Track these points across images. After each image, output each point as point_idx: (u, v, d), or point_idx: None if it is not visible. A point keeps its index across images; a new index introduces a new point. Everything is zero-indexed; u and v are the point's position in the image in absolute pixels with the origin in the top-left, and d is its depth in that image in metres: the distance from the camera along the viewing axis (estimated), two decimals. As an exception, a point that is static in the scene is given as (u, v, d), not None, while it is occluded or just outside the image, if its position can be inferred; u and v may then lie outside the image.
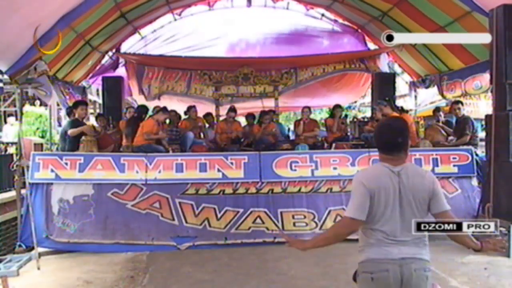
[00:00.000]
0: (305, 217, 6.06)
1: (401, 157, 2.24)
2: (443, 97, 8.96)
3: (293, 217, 6.03)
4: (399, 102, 9.51)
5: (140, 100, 10.04)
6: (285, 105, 10.89)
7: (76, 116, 6.87)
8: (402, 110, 7.71)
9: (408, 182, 2.19)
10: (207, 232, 5.95)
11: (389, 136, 2.27)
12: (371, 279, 2.15)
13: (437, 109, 8.24)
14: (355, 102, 14.54)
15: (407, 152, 2.28)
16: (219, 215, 6.00)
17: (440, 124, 7.74)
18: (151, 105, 8.75)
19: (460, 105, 7.12)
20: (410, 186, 2.19)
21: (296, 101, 11.09)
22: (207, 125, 9.00)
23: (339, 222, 2.44)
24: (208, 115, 9.34)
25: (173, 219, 5.96)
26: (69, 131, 6.56)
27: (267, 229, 5.98)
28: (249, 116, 9.32)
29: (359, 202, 2.18)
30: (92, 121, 8.55)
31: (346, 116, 9.51)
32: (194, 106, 8.86)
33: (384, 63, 9.68)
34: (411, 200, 2.18)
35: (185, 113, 8.81)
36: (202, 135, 8.57)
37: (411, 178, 2.20)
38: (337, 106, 8.49)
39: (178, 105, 9.79)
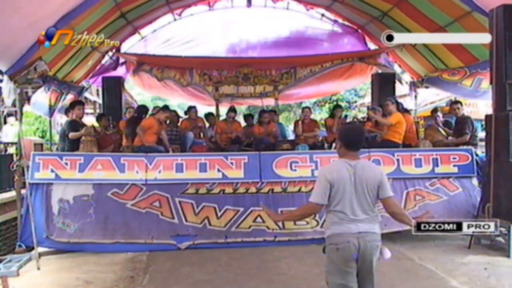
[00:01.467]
0: None
1: (357, 154, 2.91)
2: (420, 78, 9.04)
3: (293, 216, 6.01)
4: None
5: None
6: (285, 94, 10.77)
7: (74, 116, 6.88)
8: (405, 110, 7.74)
9: (362, 173, 2.80)
10: (207, 231, 5.95)
11: (356, 136, 2.94)
12: (337, 249, 2.76)
13: (435, 110, 8.25)
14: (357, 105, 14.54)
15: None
16: (219, 214, 6.00)
17: (440, 124, 7.74)
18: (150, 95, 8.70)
19: (459, 105, 7.13)
20: (363, 177, 2.79)
21: (297, 91, 10.91)
22: (207, 125, 9.01)
23: (305, 206, 3.03)
24: (209, 114, 9.34)
25: (173, 218, 5.95)
26: (70, 135, 6.58)
27: (268, 228, 5.97)
28: (247, 116, 9.33)
29: (321, 190, 2.79)
30: (89, 120, 8.53)
31: (346, 116, 9.50)
32: (194, 107, 8.88)
33: (385, 63, 9.65)
34: (364, 187, 2.78)
35: (185, 113, 8.83)
36: (202, 135, 8.58)
37: (363, 171, 2.81)
38: (337, 106, 8.48)
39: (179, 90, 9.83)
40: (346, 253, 2.72)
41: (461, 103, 7.26)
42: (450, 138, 7.33)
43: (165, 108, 7.32)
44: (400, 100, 9.93)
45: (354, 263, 2.72)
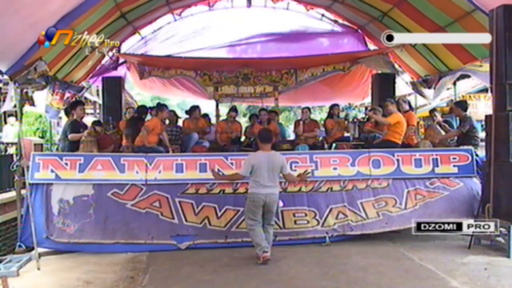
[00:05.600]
0: (306, 215, 6.04)
1: (269, 147, 5.22)
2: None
3: (294, 215, 6.02)
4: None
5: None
6: (286, 105, 10.91)
7: (75, 116, 6.88)
8: (410, 107, 7.78)
9: (272, 159, 5.09)
10: (207, 231, 5.94)
11: (265, 136, 5.28)
12: (253, 201, 5.04)
13: (433, 110, 8.25)
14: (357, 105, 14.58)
15: (272, 144, 5.41)
16: (219, 214, 5.99)
17: (438, 124, 7.74)
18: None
19: (460, 107, 7.11)
20: (272, 161, 5.06)
21: (297, 101, 10.95)
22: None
23: (235, 173, 5.39)
24: (204, 115, 9.29)
25: (173, 218, 5.94)
26: (70, 136, 6.57)
27: None
28: (252, 116, 9.33)
29: (246, 168, 5.08)
30: (88, 120, 8.49)
31: (346, 116, 9.47)
32: (197, 106, 8.83)
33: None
34: (273, 167, 5.05)
35: (186, 112, 8.78)
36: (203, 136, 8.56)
37: (273, 157, 5.11)
38: (334, 105, 8.46)
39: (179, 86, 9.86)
40: (257, 203, 5.01)
41: (464, 104, 7.26)
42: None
43: (162, 106, 7.30)
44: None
45: (261, 208, 5.02)
